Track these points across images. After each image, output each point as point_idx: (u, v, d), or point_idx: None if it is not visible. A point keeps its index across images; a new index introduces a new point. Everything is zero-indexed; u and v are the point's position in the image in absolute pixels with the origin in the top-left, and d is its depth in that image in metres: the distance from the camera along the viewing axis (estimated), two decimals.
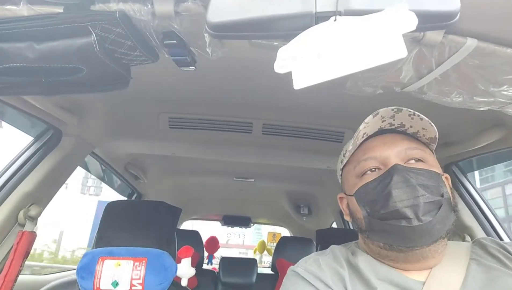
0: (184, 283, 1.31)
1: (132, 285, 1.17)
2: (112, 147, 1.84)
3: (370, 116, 0.73)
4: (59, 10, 0.64)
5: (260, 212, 4.43)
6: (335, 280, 0.72)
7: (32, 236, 1.27)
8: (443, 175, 0.74)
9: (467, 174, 1.58)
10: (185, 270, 1.31)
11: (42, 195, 1.37)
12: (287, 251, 2.77)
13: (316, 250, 2.14)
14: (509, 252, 0.74)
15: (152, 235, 1.31)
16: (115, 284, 1.17)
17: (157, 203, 1.45)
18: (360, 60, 0.50)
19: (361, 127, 0.74)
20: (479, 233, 1.41)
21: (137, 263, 1.20)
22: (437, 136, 0.77)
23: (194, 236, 2.85)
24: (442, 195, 0.69)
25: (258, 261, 3.36)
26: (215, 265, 3.69)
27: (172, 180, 2.86)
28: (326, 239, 2.03)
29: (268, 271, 3.24)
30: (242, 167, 2.49)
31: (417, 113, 0.73)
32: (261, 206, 4.00)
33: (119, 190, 2.75)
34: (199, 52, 0.77)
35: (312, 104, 1.37)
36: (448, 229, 0.70)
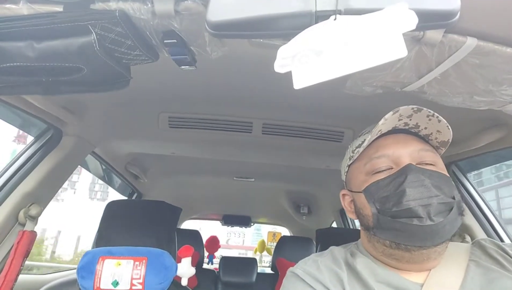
0: (184, 282, 1.31)
1: (132, 284, 1.17)
2: (112, 146, 1.84)
3: (390, 113, 0.73)
4: (59, 9, 0.64)
5: (260, 212, 4.43)
6: (333, 281, 0.72)
7: (33, 235, 1.27)
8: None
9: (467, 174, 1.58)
10: (185, 269, 1.31)
11: (43, 195, 1.37)
12: (287, 251, 2.77)
13: (316, 250, 2.15)
14: (508, 254, 0.74)
15: (152, 235, 1.31)
16: (115, 283, 1.17)
17: (157, 202, 1.45)
18: (360, 59, 0.50)
19: (380, 122, 0.74)
20: (479, 233, 1.41)
21: (137, 263, 1.20)
22: (450, 140, 0.77)
23: (194, 235, 2.85)
24: (453, 198, 0.70)
25: (258, 261, 3.36)
26: (216, 265, 3.68)
27: (172, 180, 2.86)
28: (326, 238, 2.03)
29: (268, 270, 3.25)
30: (242, 166, 2.49)
31: (436, 114, 0.73)
32: (261, 205, 4.00)
33: (119, 190, 2.75)
34: (199, 51, 0.77)
35: (312, 104, 1.37)
36: (454, 233, 0.70)
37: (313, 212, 3.49)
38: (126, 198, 2.73)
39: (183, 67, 0.82)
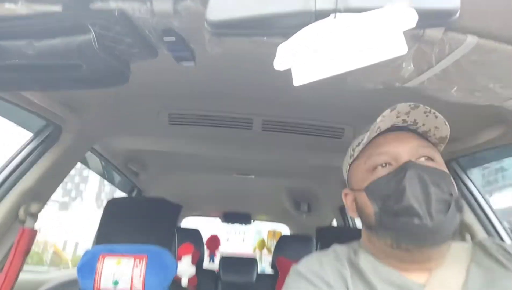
0: (184, 282, 1.31)
1: (132, 283, 1.17)
2: (112, 143, 1.84)
3: (388, 110, 0.73)
4: (58, 8, 0.63)
5: (260, 209, 4.43)
6: (336, 279, 0.72)
7: (33, 233, 1.27)
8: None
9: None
10: (185, 268, 1.31)
11: (43, 191, 1.37)
12: (287, 250, 2.77)
13: (316, 248, 2.15)
14: (510, 254, 0.74)
15: (152, 232, 1.32)
16: (116, 282, 1.17)
17: (157, 200, 1.45)
18: (360, 57, 0.50)
19: (378, 120, 0.74)
20: (480, 232, 1.41)
21: (137, 261, 1.20)
22: (448, 136, 0.78)
23: (194, 234, 2.85)
24: (451, 195, 0.70)
25: (258, 260, 3.37)
26: (217, 264, 3.69)
27: (172, 176, 2.86)
28: (326, 237, 2.03)
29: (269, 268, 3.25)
30: (242, 163, 2.49)
31: (433, 110, 0.73)
32: (261, 202, 4.01)
33: (119, 186, 2.75)
34: (198, 49, 0.77)
35: (312, 100, 1.37)
36: (455, 230, 0.70)
37: (313, 210, 3.49)
38: (126, 195, 2.73)
39: (182, 63, 0.81)
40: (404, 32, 0.50)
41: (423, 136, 0.79)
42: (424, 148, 0.75)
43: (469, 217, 1.45)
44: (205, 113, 1.55)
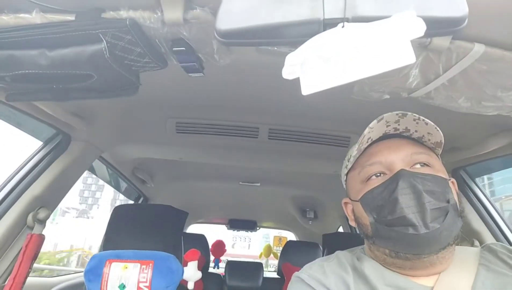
0: (190, 286, 1.31)
1: (139, 288, 1.17)
2: (120, 151, 1.85)
3: (375, 121, 0.72)
4: (71, 18, 0.65)
5: (266, 216, 4.42)
6: (339, 286, 0.71)
7: (41, 238, 1.28)
8: (449, 180, 0.73)
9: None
10: (191, 273, 1.31)
11: (51, 199, 1.38)
12: (293, 256, 2.76)
13: (323, 255, 2.14)
14: None
15: (158, 239, 1.32)
16: (122, 287, 1.17)
17: (163, 207, 1.45)
18: (368, 66, 0.50)
19: (366, 132, 0.73)
20: (488, 238, 1.40)
21: (144, 266, 1.20)
22: (443, 141, 0.76)
23: (200, 239, 2.85)
24: (448, 201, 0.68)
25: (264, 265, 3.35)
26: (222, 269, 3.68)
27: (178, 184, 2.87)
28: (332, 243, 2.02)
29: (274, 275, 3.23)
30: (248, 171, 2.49)
31: (422, 117, 0.72)
32: (267, 210, 4.00)
33: (126, 194, 2.76)
34: (207, 59, 0.78)
35: (318, 109, 1.37)
36: (456, 235, 0.69)
37: (319, 217, 3.47)
38: (132, 202, 2.74)
39: (191, 74, 0.82)
40: (411, 41, 0.50)
41: (419, 141, 0.77)
42: (419, 155, 0.74)
43: (478, 224, 1.44)
44: (211, 122, 1.56)
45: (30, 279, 1.27)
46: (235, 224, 4.47)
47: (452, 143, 1.35)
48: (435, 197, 0.67)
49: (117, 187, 2.64)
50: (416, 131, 0.75)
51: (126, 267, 1.20)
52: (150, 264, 1.21)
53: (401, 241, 0.67)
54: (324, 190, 2.81)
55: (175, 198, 2.99)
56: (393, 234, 0.68)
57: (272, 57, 0.72)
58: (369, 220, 0.73)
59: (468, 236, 1.43)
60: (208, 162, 2.04)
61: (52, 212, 1.38)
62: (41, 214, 1.30)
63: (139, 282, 1.18)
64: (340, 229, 3.32)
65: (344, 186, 0.87)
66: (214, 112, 1.49)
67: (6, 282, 1.19)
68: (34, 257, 1.26)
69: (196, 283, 1.33)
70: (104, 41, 0.65)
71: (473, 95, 0.84)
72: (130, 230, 1.34)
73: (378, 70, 0.51)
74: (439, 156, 0.79)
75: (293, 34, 0.54)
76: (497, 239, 1.40)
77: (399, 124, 0.74)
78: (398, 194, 0.67)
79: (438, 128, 0.72)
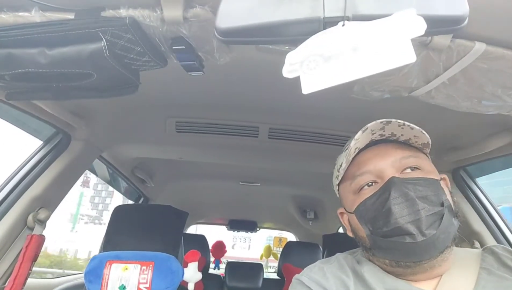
0: (190, 287, 1.31)
1: (139, 289, 1.17)
2: (120, 151, 1.85)
3: (360, 132, 0.72)
4: (70, 16, 0.65)
5: (266, 217, 4.42)
6: (340, 288, 0.71)
7: (41, 239, 1.28)
8: (440, 180, 0.73)
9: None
10: (191, 274, 1.31)
11: (51, 199, 1.38)
12: (293, 256, 2.75)
13: (323, 255, 2.13)
14: None
15: (159, 239, 1.32)
16: (122, 288, 1.17)
17: (164, 207, 1.45)
18: (368, 65, 0.50)
19: (352, 144, 0.72)
20: (489, 239, 1.40)
21: (144, 267, 1.20)
22: (430, 142, 0.75)
23: (200, 240, 2.85)
24: (442, 204, 0.68)
25: (264, 266, 3.35)
26: (222, 270, 3.68)
27: (178, 184, 2.87)
28: (333, 244, 2.02)
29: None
30: (248, 171, 2.48)
31: (406, 123, 0.71)
32: (267, 210, 3.99)
33: (126, 194, 2.76)
34: (207, 57, 0.78)
35: (318, 109, 1.37)
36: (454, 236, 0.68)
37: (320, 217, 3.47)
38: (133, 202, 2.74)
39: (191, 72, 0.82)
40: (412, 39, 0.50)
41: (406, 143, 0.76)
42: (408, 159, 0.73)
43: (478, 225, 1.43)
44: (211, 121, 1.56)
45: (30, 281, 1.27)
46: (235, 224, 4.47)
47: (452, 143, 1.35)
48: (428, 202, 0.67)
49: (117, 187, 2.64)
50: (402, 135, 0.74)
51: (127, 268, 1.20)
52: (150, 265, 1.21)
53: (399, 251, 0.67)
54: (324, 190, 2.81)
55: (175, 198, 2.99)
56: (391, 245, 0.68)
57: (272, 55, 0.72)
58: (365, 232, 0.73)
59: (468, 237, 1.43)
60: (208, 161, 2.04)
61: (52, 213, 1.38)
62: (41, 215, 1.29)
63: (139, 283, 1.18)
64: (340, 230, 3.31)
65: (338, 195, 0.86)
66: (214, 111, 1.49)
67: (6, 284, 1.19)
68: (35, 258, 1.25)
69: (196, 284, 1.33)
70: (104, 39, 0.65)
71: (473, 94, 0.84)
72: (130, 231, 1.34)
73: (379, 69, 0.50)
74: (428, 155, 0.79)
75: (294, 33, 0.54)
76: (497, 240, 1.40)
77: (384, 131, 0.74)
78: (391, 205, 0.67)
79: (424, 132, 0.72)
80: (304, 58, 0.52)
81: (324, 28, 0.52)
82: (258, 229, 4.64)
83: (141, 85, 0.86)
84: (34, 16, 0.64)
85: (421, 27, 0.49)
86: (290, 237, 4.89)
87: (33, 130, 1.48)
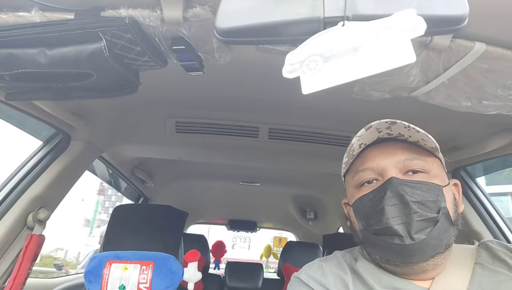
0: (190, 287, 1.31)
1: (139, 289, 1.17)
2: (120, 151, 1.85)
3: (363, 130, 0.71)
4: (70, 16, 0.65)
5: (266, 217, 4.41)
6: (338, 286, 0.72)
7: (41, 239, 1.28)
8: (446, 185, 0.71)
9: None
10: (191, 274, 1.31)
11: (51, 199, 1.38)
12: (293, 256, 2.75)
13: (323, 255, 2.13)
14: None
15: (159, 239, 1.32)
16: (122, 287, 1.17)
17: (164, 207, 1.45)
18: (368, 65, 0.50)
19: (354, 140, 0.72)
20: (488, 238, 1.40)
21: (144, 267, 1.20)
22: (438, 146, 0.73)
23: (200, 240, 2.85)
24: (439, 211, 0.67)
25: (264, 266, 3.35)
26: (222, 270, 3.68)
27: (178, 184, 2.87)
28: (333, 244, 2.01)
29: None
30: (248, 171, 2.49)
31: (411, 125, 0.70)
32: (267, 210, 3.99)
33: (126, 194, 2.76)
34: (206, 57, 0.78)
35: (318, 109, 1.37)
36: (448, 244, 0.68)
37: (320, 217, 3.47)
38: (132, 202, 2.74)
39: (191, 72, 0.82)
40: (412, 40, 0.50)
41: (415, 144, 0.74)
42: (412, 161, 0.71)
43: (478, 224, 1.44)
44: (211, 121, 1.56)
45: (30, 280, 1.27)
46: (235, 224, 4.47)
47: (452, 143, 1.35)
48: (423, 207, 0.66)
49: (117, 187, 2.64)
50: (410, 136, 0.73)
51: (126, 268, 1.20)
52: (150, 265, 1.21)
53: (388, 250, 0.68)
54: (324, 190, 2.81)
55: (175, 198, 2.98)
56: (380, 243, 0.68)
57: (272, 56, 0.72)
58: (359, 227, 0.74)
59: (467, 237, 1.43)
60: (208, 161, 2.04)
61: (52, 212, 1.38)
62: (41, 215, 1.29)
63: (139, 283, 1.18)
64: (340, 230, 3.31)
65: (344, 185, 0.87)
66: (214, 111, 1.49)
67: (6, 283, 1.19)
68: (34, 258, 1.25)
69: (196, 284, 1.33)
70: (104, 39, 0.65)
71: (473, 94, 0.84)
72: (130, 231, 1.34)
73: (379, 69, 0.50)
74: (441, 159, 0.76)
75: (293, 33, 0.54)
76: (497, 239, 1.40)
77: (391, 130, 0.73)
78: (385, 204, 0.67)
79: (429, 136, 0.70)
80: (304, 58, 0.52)
81: (324, 28, 0.52)
82: (258, 229, 4.65)
83: (141, 85, 0.86)
84: (34, 16, 0.64)
85: (421, 27, 0.49)
86: (290, 237, 4.89)
87: (33, 130, 1.48)
